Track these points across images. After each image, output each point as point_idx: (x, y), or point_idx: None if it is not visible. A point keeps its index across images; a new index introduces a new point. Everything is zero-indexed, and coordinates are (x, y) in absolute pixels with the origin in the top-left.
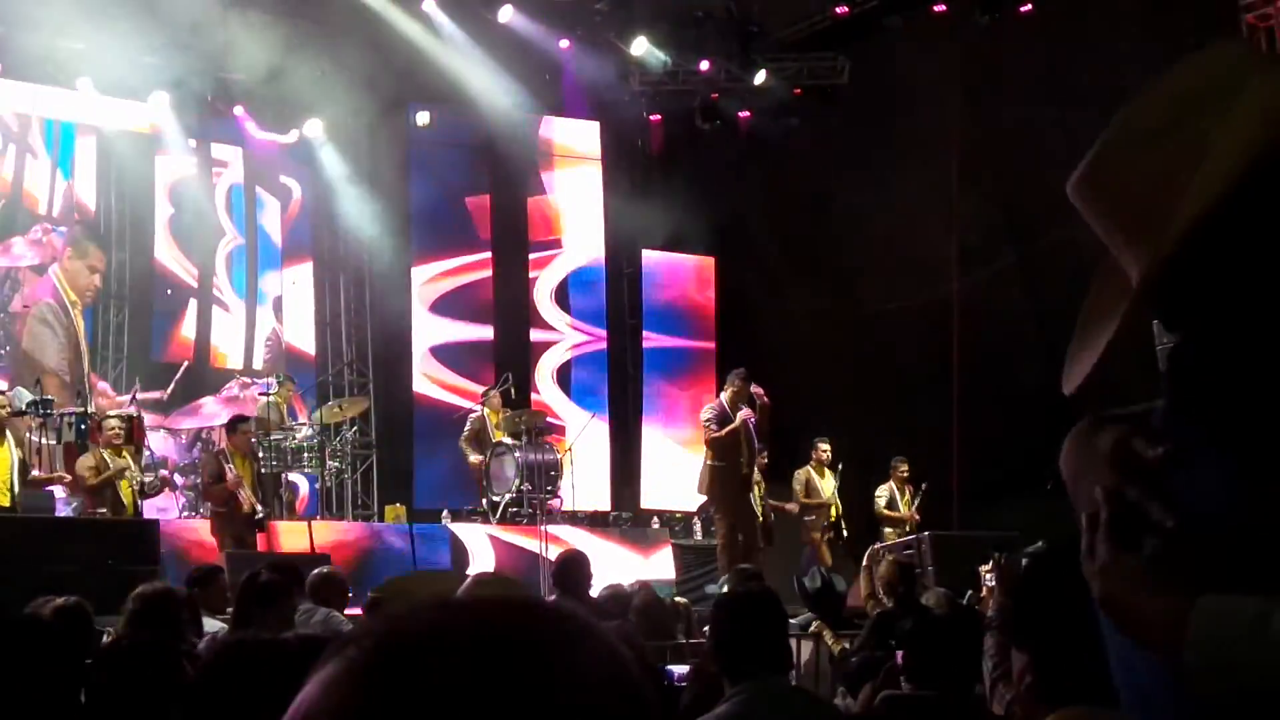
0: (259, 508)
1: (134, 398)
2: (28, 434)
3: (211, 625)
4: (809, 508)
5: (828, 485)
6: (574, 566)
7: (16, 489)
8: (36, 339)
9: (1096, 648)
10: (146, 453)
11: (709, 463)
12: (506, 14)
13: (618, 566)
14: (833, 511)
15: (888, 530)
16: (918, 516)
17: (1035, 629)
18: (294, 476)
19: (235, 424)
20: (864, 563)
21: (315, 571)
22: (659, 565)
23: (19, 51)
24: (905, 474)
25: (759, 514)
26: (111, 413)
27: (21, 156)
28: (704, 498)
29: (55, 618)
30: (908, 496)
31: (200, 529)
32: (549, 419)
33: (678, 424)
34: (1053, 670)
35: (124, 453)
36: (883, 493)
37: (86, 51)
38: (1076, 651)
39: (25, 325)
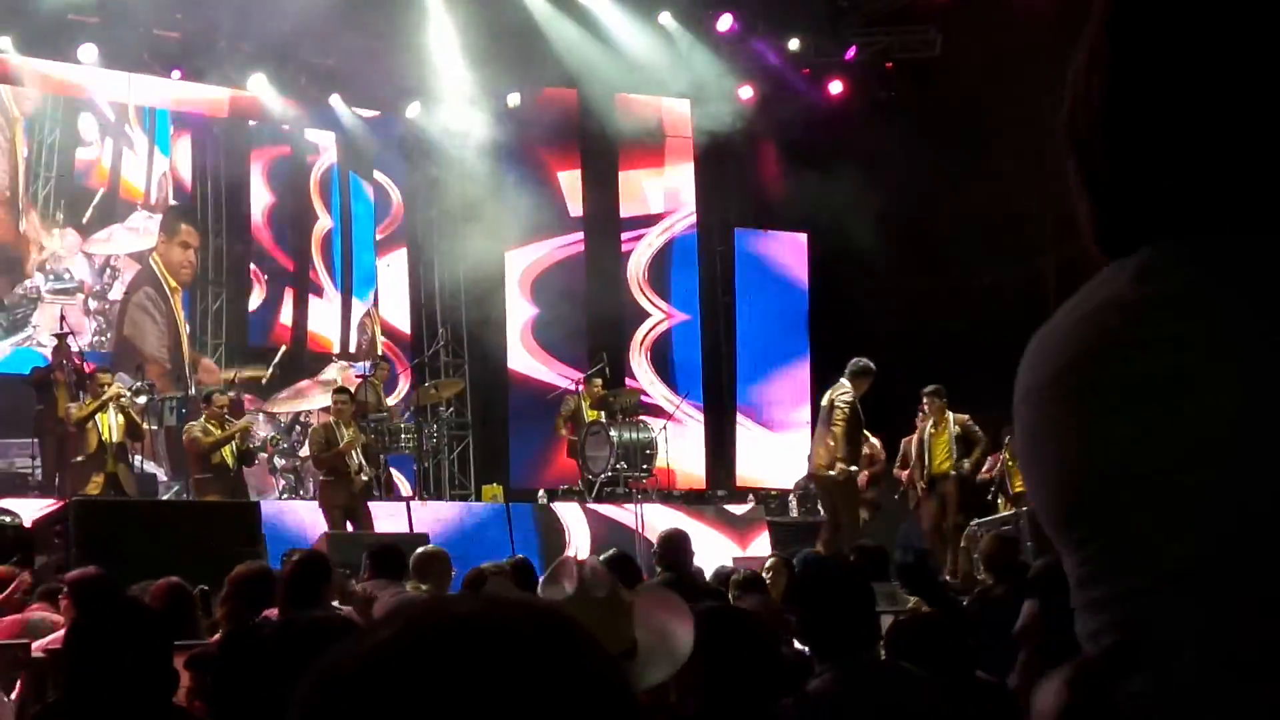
0: (365, 468)
1: (235, 381)
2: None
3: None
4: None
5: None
6: (676, 544)
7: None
8: (137, 326)
9: None
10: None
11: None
12: None
13: (714, 543)
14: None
15: (1000, 501)
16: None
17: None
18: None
19: (335, 397)
20: (962, 544)
21: (418, 551)
22: (755, 542)
23: (115, 41)
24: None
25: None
26: (219, 389)
27: (119, 146)
28: (805, 474)
29: (158, 598)
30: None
31: (300, 510)
32: (643, 398)
33: (772, 402)
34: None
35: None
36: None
37: (181, 40)
38: None
39: (125, 313)
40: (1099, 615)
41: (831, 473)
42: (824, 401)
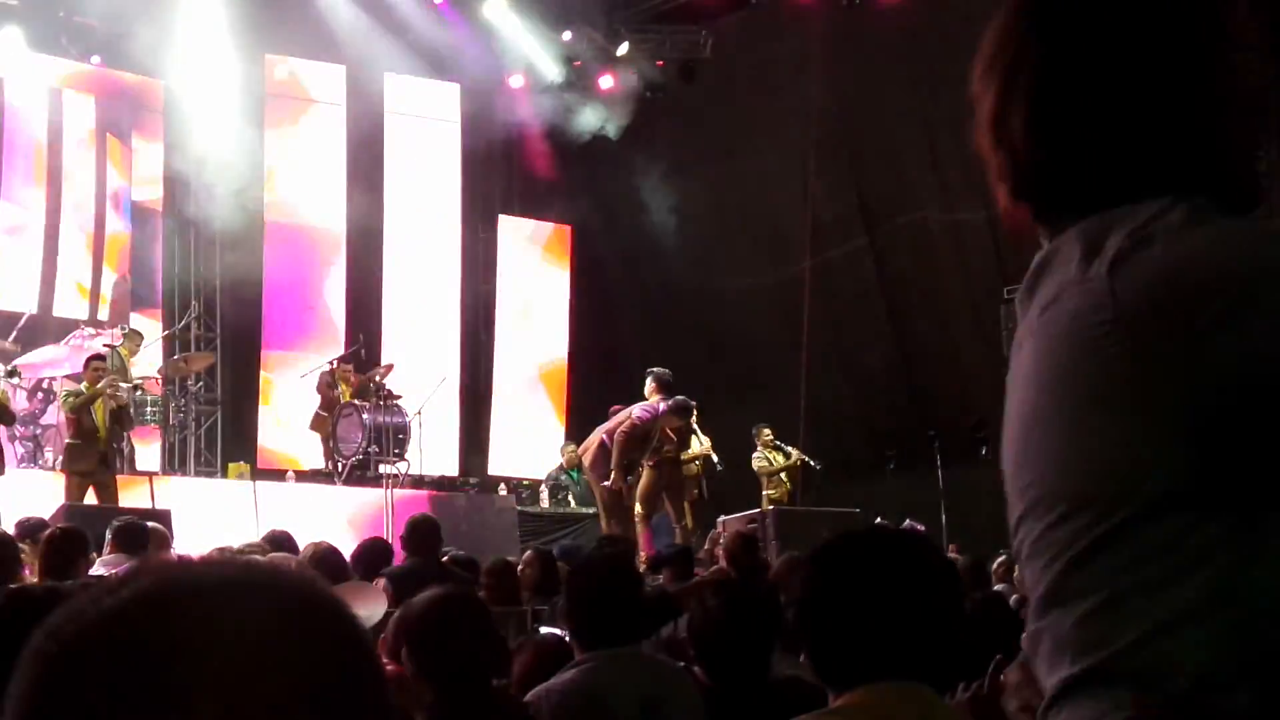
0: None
1: None
2: None
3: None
4: None
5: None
6: (423, 529)
7: None
8: None
9: (873, 629)
10: None
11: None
12: None
13: (459, 530)
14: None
15: (769, 493)
16: (811, 463)
17: (818, 615)
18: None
19: (88, 362)
20: (706, 545)
21: (131, 523)
22: (502, 531)
23: None
24: (770, 439)
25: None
26: None
27: None
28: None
29: None
30: (781, 460)
31: (38, 479)
32: (398, 382)
33: (528, 392)
34: (836, 653)
35: None
36: (758, 458)
37: None
38: (856, 635)
39: None
40: None
41: (605, 483)
42: (628, 409)
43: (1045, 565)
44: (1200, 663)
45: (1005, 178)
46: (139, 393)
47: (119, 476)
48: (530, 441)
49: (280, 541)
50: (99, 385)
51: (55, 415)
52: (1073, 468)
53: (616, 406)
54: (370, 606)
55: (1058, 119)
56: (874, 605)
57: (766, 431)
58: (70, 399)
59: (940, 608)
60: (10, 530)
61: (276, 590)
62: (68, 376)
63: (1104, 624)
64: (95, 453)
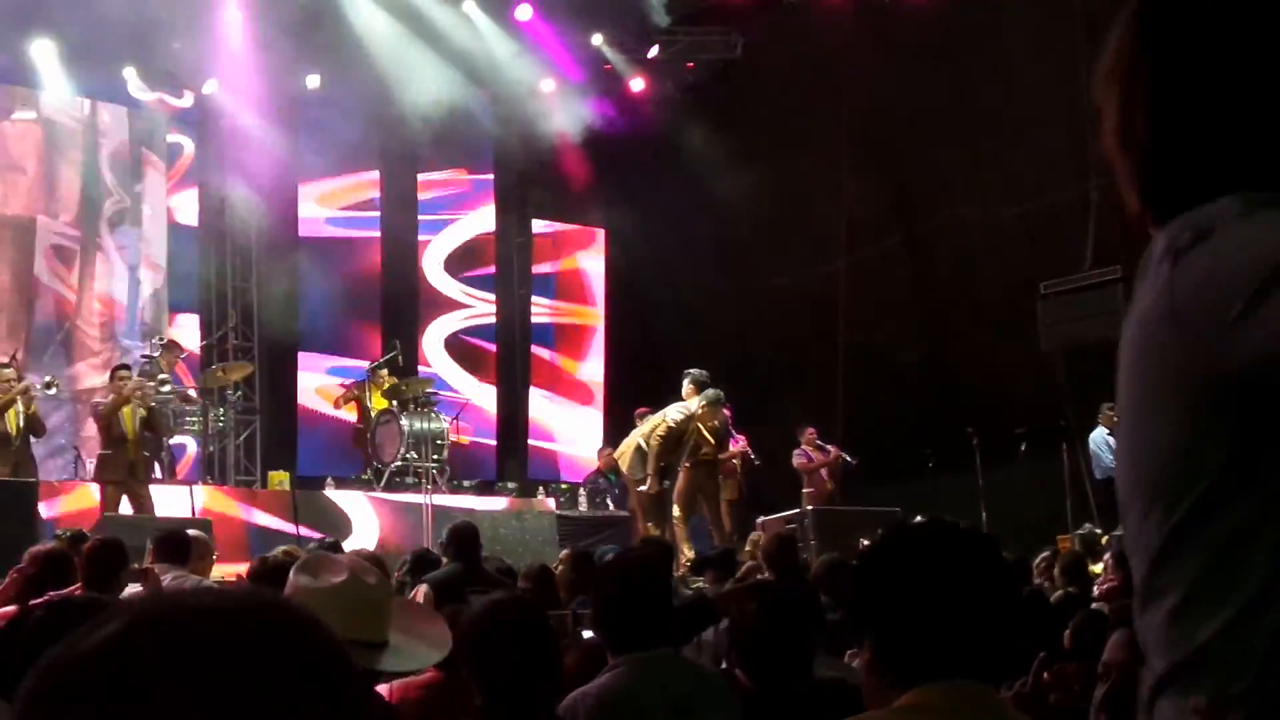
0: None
1: (14, 359)
2: None
3: None
4: None
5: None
6: (464, 535)
7: None
8: None
9: (937, 627)
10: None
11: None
12: None
13: (499, 535)
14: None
15: (808, 492)
16: (848, 458)
17: (878, 611)
18: (177, 440)
19: (114, 372)
20: (747, 547)
21: (173, 533)
22: (541, 534)
23: None
24: (813, 438)
25: None
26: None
27: None
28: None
29: None
30: (820, 457)
31: (80, 490)
32: (436, 387)
33: (565, 396)
34: (897, 652)
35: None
36: (798, 455)
37: None
38: (919, 632)
39: None
40: None
41: (642, 488)
42: (662, 412)
43: (1138, 564)
44: (1263, 655)
45: (1133, 181)
46: (173, 401)
47: (162, 485)
48: (568, 445)
49: (331, 549)
50: (124, 391)
51: (93, 426)
52: (1144, 460)
53: (643, 409)
54: (436, 634)
55: (1175, 117)
56: (935, 602)
57: (811, 431)
58: (100, 407)
59: (999, 605)
60: (52, 542)
61: (252, 612)
62: (103, 387)
63: (1186, 622)
64: (124, 461)
